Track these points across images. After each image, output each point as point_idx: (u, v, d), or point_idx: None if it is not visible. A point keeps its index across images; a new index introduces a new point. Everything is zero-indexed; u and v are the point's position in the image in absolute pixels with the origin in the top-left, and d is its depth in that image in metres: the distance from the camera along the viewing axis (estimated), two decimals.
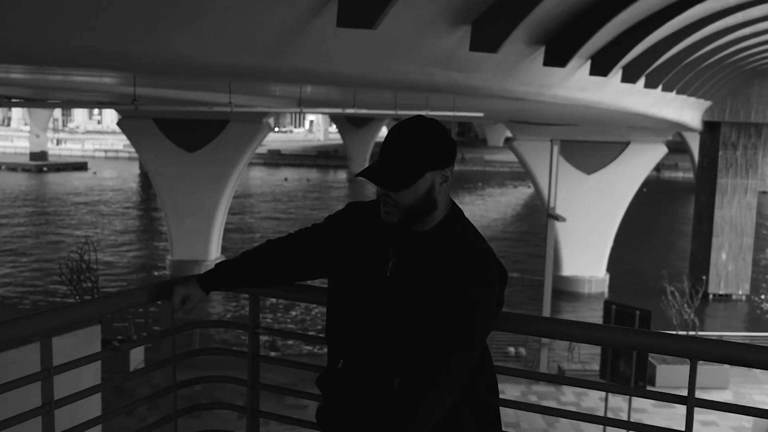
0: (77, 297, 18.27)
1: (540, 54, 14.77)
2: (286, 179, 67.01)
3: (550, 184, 23.61)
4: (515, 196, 60.82)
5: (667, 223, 51.03)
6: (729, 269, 35.10)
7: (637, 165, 35.25)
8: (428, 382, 2.21)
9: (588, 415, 2.92)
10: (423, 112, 17.13)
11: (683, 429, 2.69)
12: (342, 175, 71.97)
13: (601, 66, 17.53)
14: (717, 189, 36.39)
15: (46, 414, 2.75)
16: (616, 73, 18.97)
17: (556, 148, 25.29)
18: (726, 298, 34.64)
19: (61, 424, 2.79)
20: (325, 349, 2.65)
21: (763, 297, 35.39)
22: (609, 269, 34.53)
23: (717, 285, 34.53)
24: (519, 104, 19.10)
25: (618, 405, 16.53)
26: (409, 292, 2.31)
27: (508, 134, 59.22)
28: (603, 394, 16.16)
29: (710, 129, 37.25)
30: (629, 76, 20.15)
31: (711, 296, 33.52)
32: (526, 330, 3.18)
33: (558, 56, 14.81)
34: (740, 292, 34.86)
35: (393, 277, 2.36)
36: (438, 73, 12.38)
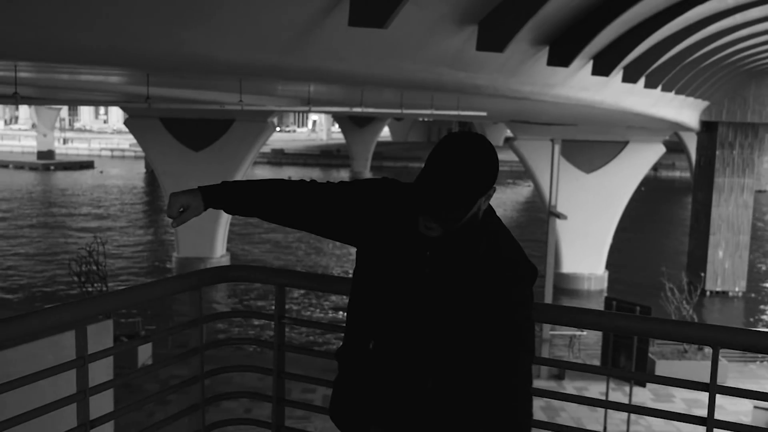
0: (87, 290, 18.28)
1: (544, 54, 14.73)
2: (290, 178, 66.92)
3: (551, 183, 23.56)
4: (515, 193, 60.88)
5: (664, 222, 51.05)
6: (726, 266, 35.14)
7: (636, 164, 35.25)
8: (517, 393, 2.22)
9: (615, 403, 2.89)
10: (428, 111, 17.17)
11: (705, 415, 2.66)
12: (345, 174, 71.93)
13: (603, 66, 17.51)
14: (714, 188, 36.42)
15: (81, 401, 2.73)
16: (617, 74, 18.95)
17: (557, 148, 25.27)
18: (723, 294, 34.69)
19: (94, 411, 2.78)
20: None
21: (759, 293, 35.39)
22: (608, 266, 34.52)
23: (714, 282, 34.58)
24: (522, 104, 19.06)
25: (618, 398, 16.53)
26: (447, 290, 2.25)
27: (508, 134, 59.15)
28: (603, 388, 16.15)
29: (708, 129, 37.28)
30: (630, 77, 20.13)
31: (708, 293, 33.52)
32: (548, 319, 3.15)
33: (561, 56, 14.78)
34: (737, 289, 34.91)
35: (431, 273, 2.29)
36: (445, 73, 12.35)
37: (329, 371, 2.77)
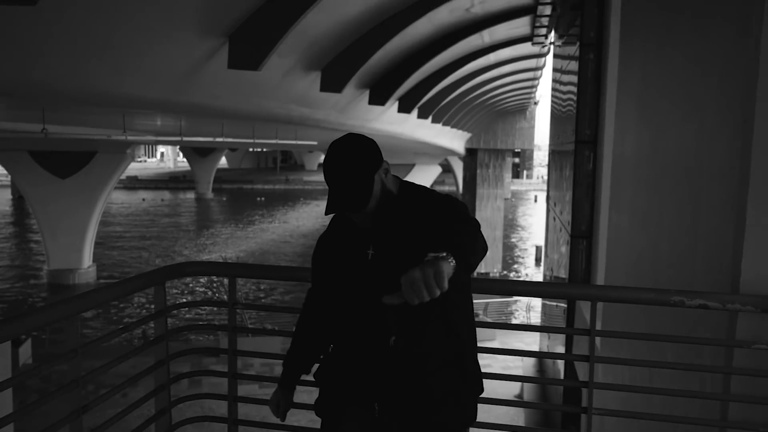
0: None
1: (366, 95, 14.93)
2: (143, 199, 63.26)
3: None
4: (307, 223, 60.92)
5: None
6: (487, 255, 37.22)
7: (423, 180, 36.74)
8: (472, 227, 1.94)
9: (511, 350, 2.86)
10: (272, 141, 16.78)
11: (587, 354, 2.71)
12: (190, 195, 68.95)
13: (405, 105, 18.11)
14: (477, 197, 39.13)
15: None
16: (415, 111, 19.65)
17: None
18: (485, 275, 36.55)
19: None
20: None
21: (510, 272, 37.80)
22: None
23: None
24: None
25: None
26: (393, 259, 2.02)
27: (322, 160, 59.26)
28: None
29: (471, 154, 39.92)
30: (423, 113, 21.00)
31: (476, 273, 35.21)
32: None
33: (379, 97, 15.07)
34: (495, 270, 37.08)
35: (374, 256, 2.08)
36: (294, 109, 12.17)
37: (278, 348, 2.55)
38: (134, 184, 74.10)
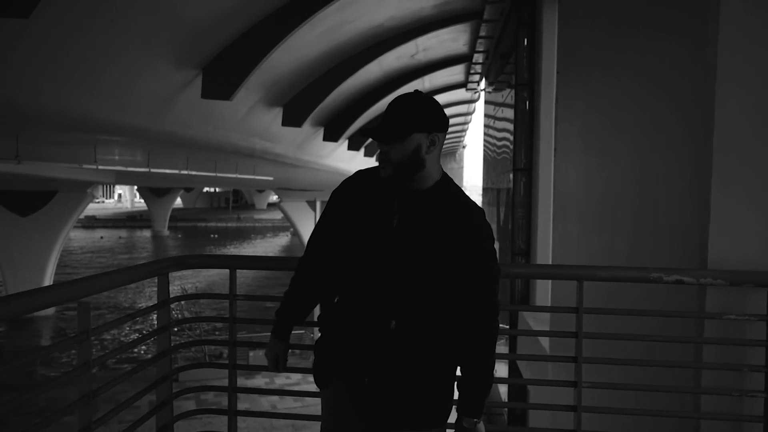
0: None
1: (321, 132, 14.85)
2: (102, 237, 60.70)
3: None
4: (279, 241, 60.27)
5: None
6: None
7: None
8: (490, 320, 1.91)
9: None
10: (233, 176, 16.43)
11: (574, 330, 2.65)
12: (147, 233, 66.63)
13: (354, 144, 18.12)
14: None
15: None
16: (362, 149, 19.71)
17: (318, 204, 25.52)
18: None
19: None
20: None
21: None
22: None
23: None
24: (298, 171, 18.98)
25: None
26: (414, 242, 1.87)
27: (272, 200, 58.34)
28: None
29: None
30: (369, 152, 21.10)
31: None
32: None
33: (333, 134, 14.99)
34: None
35: (398, 229, 1.88)
36: (257, 142, 11.94)
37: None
38: (93, 223, 71.24)
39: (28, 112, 5.93)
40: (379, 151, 1.93)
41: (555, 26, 8.94)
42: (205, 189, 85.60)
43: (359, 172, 2.07)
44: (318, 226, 2.07)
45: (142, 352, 15.89)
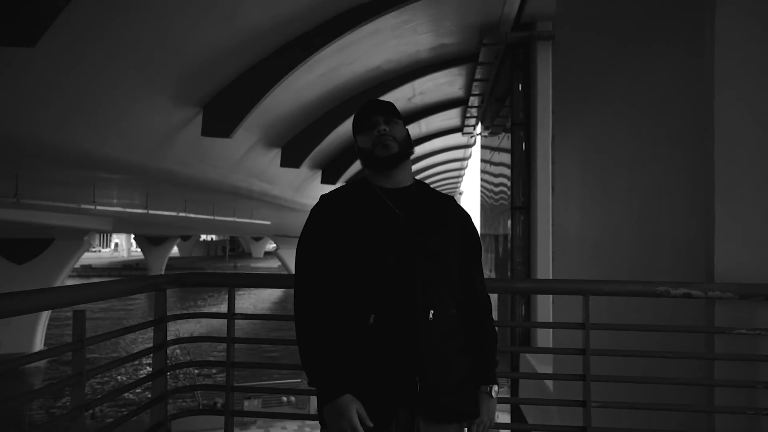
0: None
1: (319, 175, 14.93)
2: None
3: None
4: (276, 290, 59.77)
5: None
6: None
7: None
8: (485, 286, 1.97)
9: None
10: (230, 219, 16.39)
11: (582, 347, 2.58)
12: None
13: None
14: None
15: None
16: None
17: None
18: None
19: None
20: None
21: None
22: None
23: None
24: (297, 216, 18.92)
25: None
26: (425, 230, 1.82)
27: (269, 248, 57.99)
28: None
29: None
30: None
31: None
32: None
33: (330, 176, 15.08)
34: None
35: (406, 222, 1.81)
36: (255, 183, 11.97)
37: (273, 359, 2.27)
38: (88, 272, 70.81)
39: (28, 145, 5.93)
40: (377, 135, 1.86)
41: (549, 66, 9.16)
42: (202, 237, 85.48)
43: (324, 196, 1.91)
44: (309, 252, 1.82)
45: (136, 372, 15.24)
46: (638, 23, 3.58)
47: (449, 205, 1.93)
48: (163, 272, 67.97)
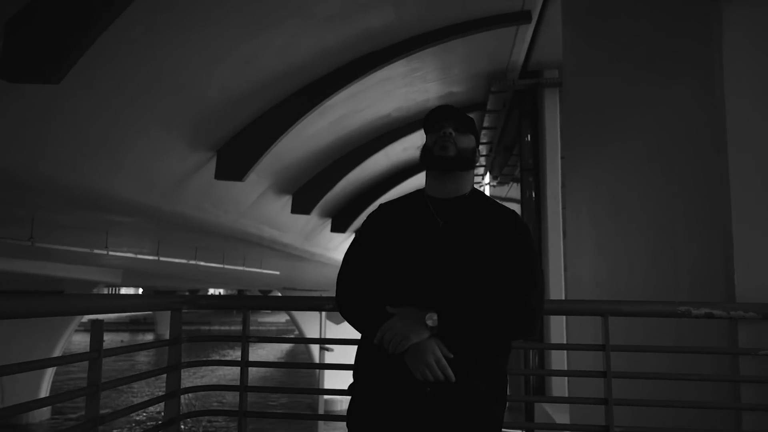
0: None
1: (328, 223, 14.98)
2: (104, 340, 59.63)
3: (320, 330, 23.24)
4: (283, 346, 58.86)
5: None
6: None
7: None
8: (538, 308, 1.77)
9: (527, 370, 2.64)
10: (240, 268, 16.35)
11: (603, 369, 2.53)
12: (149, 336, 65.55)
13: None
14: None
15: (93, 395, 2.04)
16: None
17: (323, 314, 24.97)
18: None
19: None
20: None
21: None
22: None
23: None
24: (306, 267, 18.87)
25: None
26: (460, 238, 1.80)
27: None
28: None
29: None
30: None
31: None
32: None
33: (340, 225, 15.12)
34: None
35: (443, 229, 1.81)
36: (266, 230, 12.01)
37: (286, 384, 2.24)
38: (96, 327, 70.24)
39: (46, 185, 6.03)
40: (441, 135, 1.90)
41: (557, 112, 9.32)
42: (210, 291, 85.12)
43: (382, 204, 2.00)
44: (354, 252, 1.90)
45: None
46: (644, 59, 3.66)
47: (503, 216, 1.85)
48: (169, 328, 67.14)
